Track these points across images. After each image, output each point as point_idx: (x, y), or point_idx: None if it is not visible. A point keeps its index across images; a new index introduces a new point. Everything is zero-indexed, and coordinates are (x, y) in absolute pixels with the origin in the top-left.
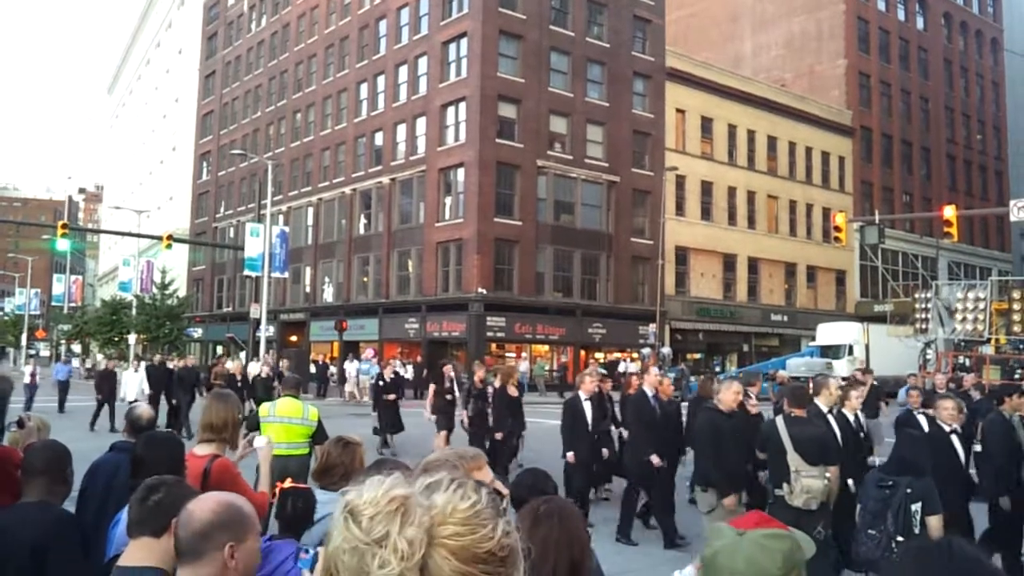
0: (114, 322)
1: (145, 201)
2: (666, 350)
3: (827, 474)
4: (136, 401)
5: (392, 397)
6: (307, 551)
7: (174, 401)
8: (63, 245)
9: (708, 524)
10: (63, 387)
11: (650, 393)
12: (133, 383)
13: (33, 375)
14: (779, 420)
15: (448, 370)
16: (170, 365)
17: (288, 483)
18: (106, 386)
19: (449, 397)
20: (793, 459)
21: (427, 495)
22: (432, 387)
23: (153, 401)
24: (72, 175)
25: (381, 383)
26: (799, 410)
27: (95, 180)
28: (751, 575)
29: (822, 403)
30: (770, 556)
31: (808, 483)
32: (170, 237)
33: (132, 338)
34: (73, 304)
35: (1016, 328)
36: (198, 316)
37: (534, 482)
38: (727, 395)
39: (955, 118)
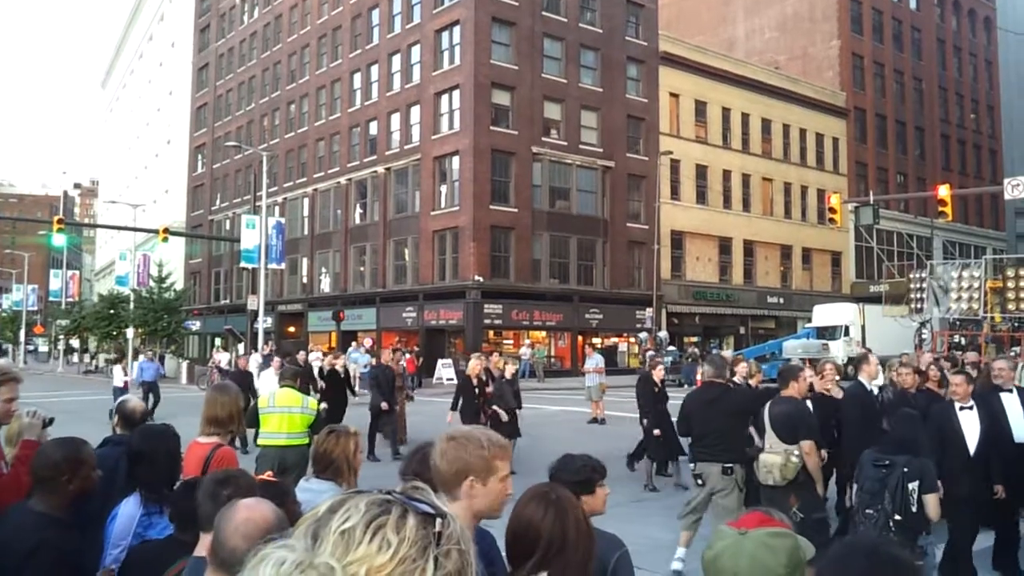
0: (112, 316)
1: (141, 195)
2: (663, 334)
3: (795, 452)
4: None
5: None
6: None
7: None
8: (59, 240)
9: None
10: (151, 390)
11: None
12: (269, 384)
13: (127, 381)
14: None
15: (745, 366)
16: (337, 363)
17: (267, 475)
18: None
19: None
20: (769, 437)
21: (343, 549)
22: None
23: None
24: (67, 170)
25: (656, 388)
26: (786, 390)
27: (90, 175)
28: (756, 574)
29: None
30: (774, 555)
31: (764, 458)
32: (166, 230)
33: (130, 332)
34: (71, 299)
35: (1011, 306)
36: (196, 309)
37: (569, 461)
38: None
39: (949, 98)
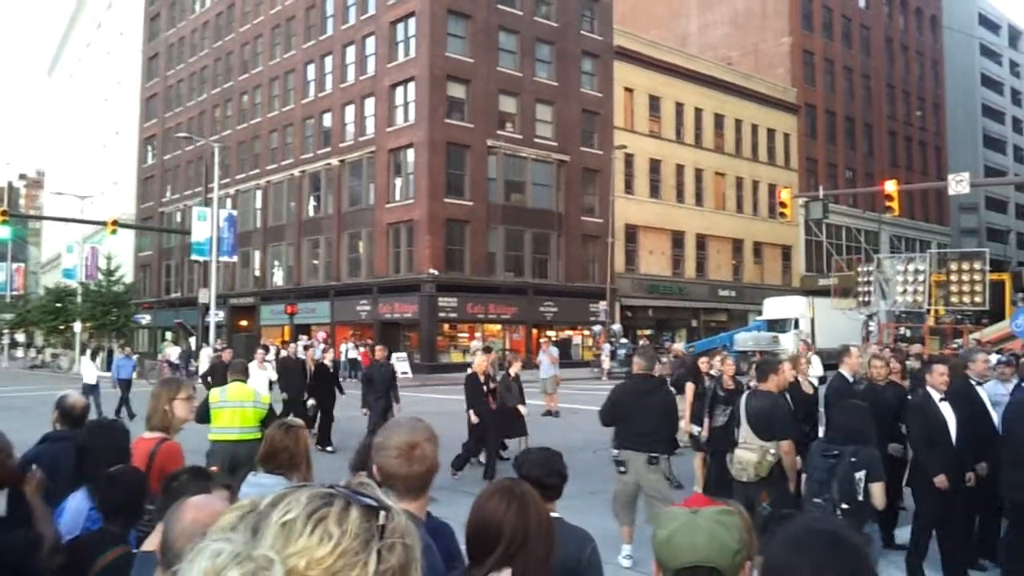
0: (59, 310)
1: (88, 186)
2: (616, 327)
3: (771, 449)
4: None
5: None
6: None
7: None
8: (3, 232)
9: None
10: (127, 387)
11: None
12: (259, 380)
13: (99, 378)
14: (745, 395)
15: (709, 363)
16: (325, 358)
17: (213, 470)
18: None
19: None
20: (744, 431)
21: (283, 542)
22: (690, 387)
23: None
24: (11, 160)
25: None
26: (765, 384)
27: (36, 165)
28: (714, 549)
29: None
30: (728, 531)
31: (740, 454)
32: (115, 223)
33: (78, 326)
34: (16, 292)
35: (954, 299)
36: (146, 302)
37: (546, 462)
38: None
39: (896, 95)
